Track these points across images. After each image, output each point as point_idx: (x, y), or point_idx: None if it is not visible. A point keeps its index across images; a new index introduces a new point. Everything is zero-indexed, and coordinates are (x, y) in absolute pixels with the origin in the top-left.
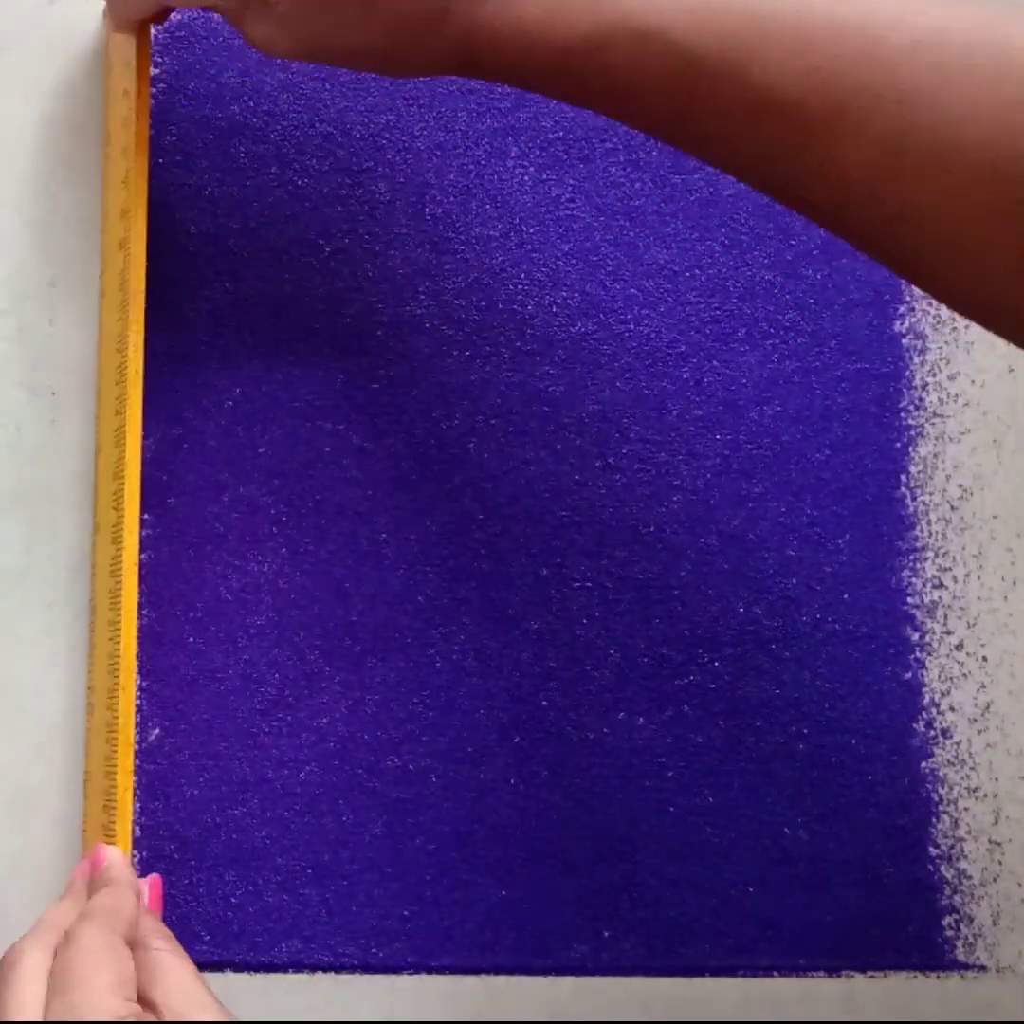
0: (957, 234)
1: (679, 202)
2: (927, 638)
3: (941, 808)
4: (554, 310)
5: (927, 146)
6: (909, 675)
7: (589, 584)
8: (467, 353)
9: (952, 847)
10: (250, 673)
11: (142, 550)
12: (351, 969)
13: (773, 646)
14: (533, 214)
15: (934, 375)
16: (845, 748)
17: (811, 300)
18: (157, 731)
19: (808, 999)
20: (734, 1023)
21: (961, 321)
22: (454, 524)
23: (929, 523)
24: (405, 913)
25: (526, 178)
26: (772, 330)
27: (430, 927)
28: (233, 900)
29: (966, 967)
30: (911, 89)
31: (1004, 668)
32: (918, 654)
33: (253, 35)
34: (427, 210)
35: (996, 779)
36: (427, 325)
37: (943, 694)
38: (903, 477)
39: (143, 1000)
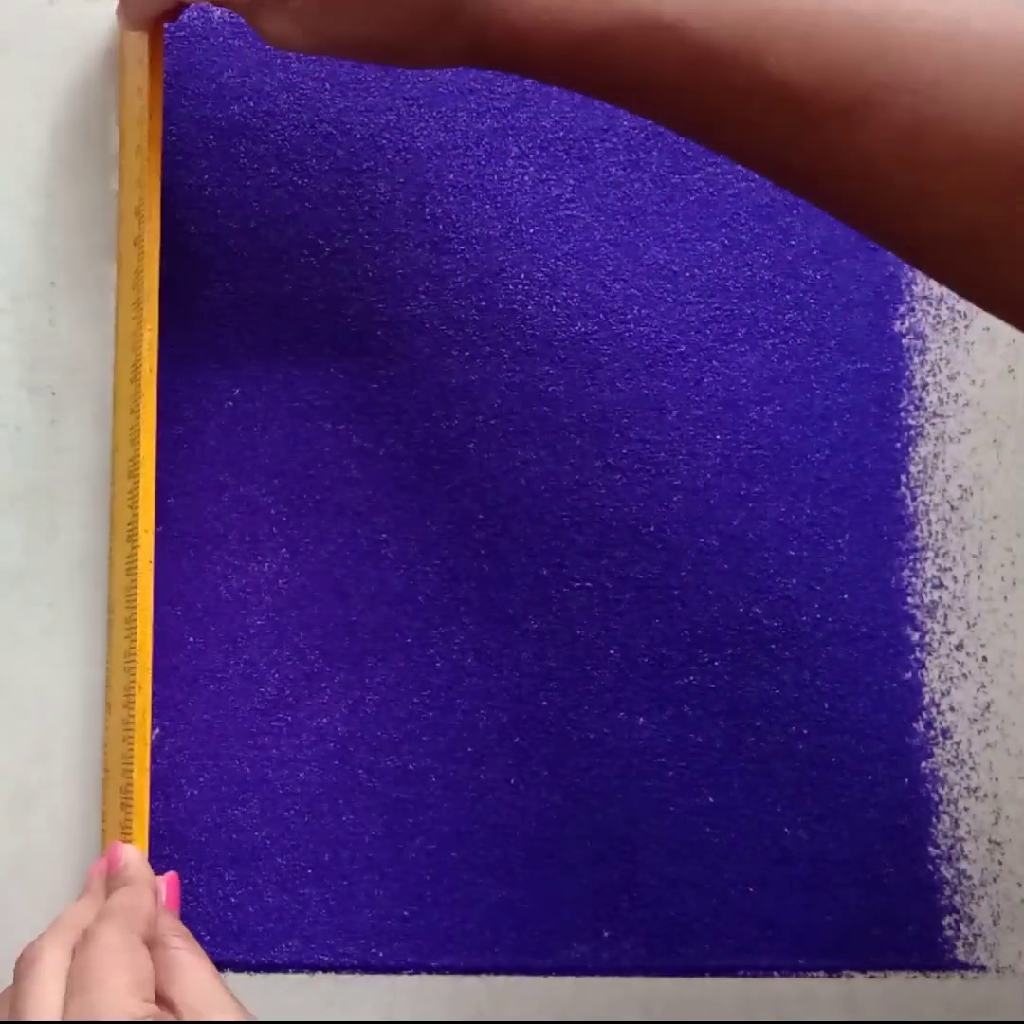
0: (974, 223)
1: (679, 202)
2: (927, 638)
3: (941, 808)
4: (554, 310)
5: (945, 137)
6: (909, 675)
7: (589, 584)
8: (467, 353)
9: (952, 847)
10: (250, 673)
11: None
12: (351, 969)
13: (773, 646)
14: (533, 214)
15: (934, 375)
16: (845, 748)
17: (811, 300)
18: (157, 731)
19: (808, 999)
20: (734, 1023)
21: (961, 321)
22: (454, 524)
23: (929, 523)
24: (405, 913)
25: (526, 178)
26: (772, 330)
27: (430, 927)
28: (233, 900)
29: (966, 967)
30: (929, 81)
31: (1004, 668)
32: (918, 654)
33: (267, 30)
34: (427, 210)
35: (996, 779)
36: (427, 325)
37: (943, 694)
38: (903, 477)
39: (161, 999)
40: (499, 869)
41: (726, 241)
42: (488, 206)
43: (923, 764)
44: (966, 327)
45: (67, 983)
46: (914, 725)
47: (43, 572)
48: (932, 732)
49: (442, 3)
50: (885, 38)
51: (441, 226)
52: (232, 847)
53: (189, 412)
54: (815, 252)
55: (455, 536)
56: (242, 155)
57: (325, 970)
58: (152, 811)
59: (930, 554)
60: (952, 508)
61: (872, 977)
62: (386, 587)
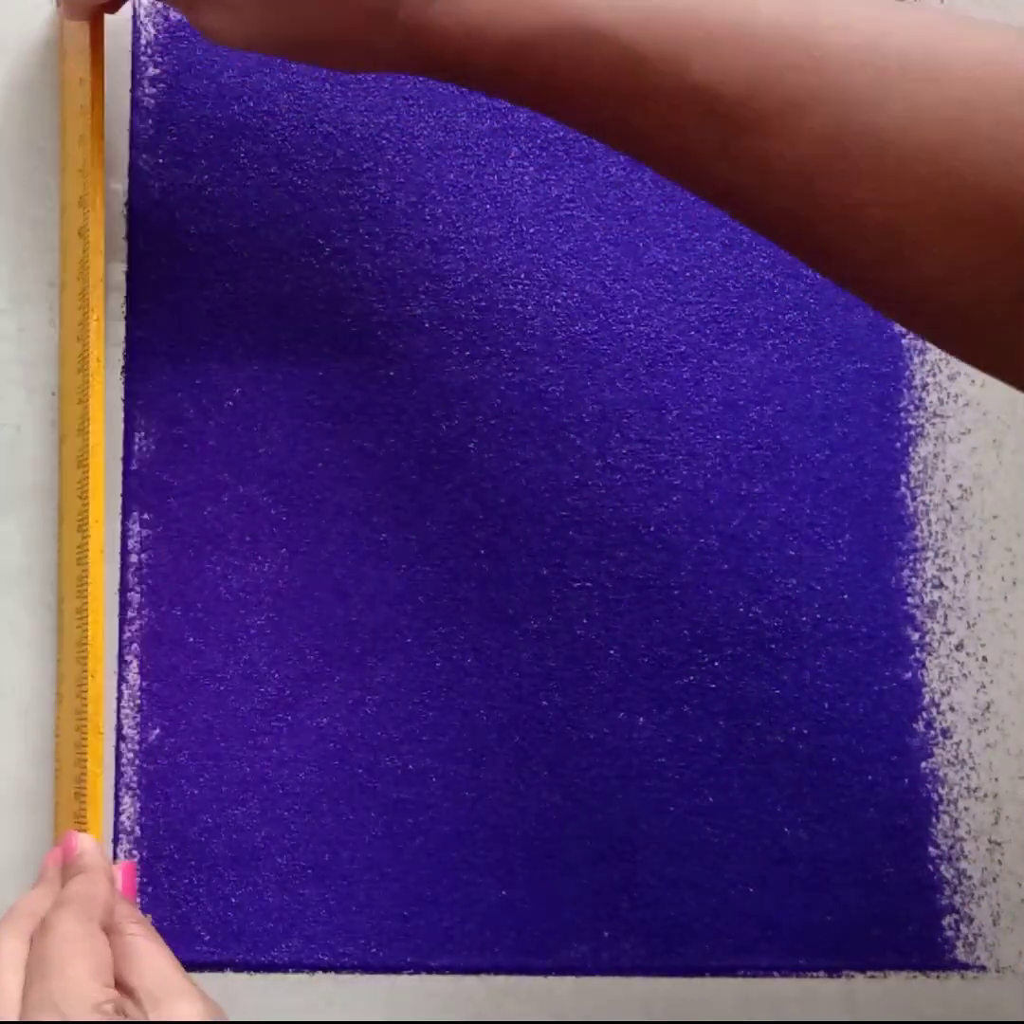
0: (893, 235)
1: (679, 202)
2: (927, 638)
3: (941, 808)
4: (554, 310)
5: (866, 147)
6: (909, 675)
7: (589, 584)
8: (467, 353)
9: (952, 847)
10: (250, 673)
11: (142, 551)
12: (351, 969)
13: (773, 646)
14: (533, 214)
15: (934, 375)
16: (845, 748)
17: (811, 300)
18: (157, 731)
19: (808, 999)
20: (734, 1023)
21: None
22: (454, 524)
23: (929, 523)
24: (405, 913)
25: (526, 178)
26: (772, 330)
27: (430, 927)
28: (233, 900)
29: (966, 967)
30: (852, 90)
31: (1004, 668)
32: (918, 654)
33: (204, 23)
34: (427, 210)
35: (996, 779)
36: (427, 325)
37: (943, 694)
38: (903, 477)
39: (120, 985)
40: (499, 869)
41: (726, 241)
42: (488, 206)
43: (923, 764)
44: None
45: (27, 971)
46: (914, 725)
47: (43, 572)
48: (932, 732)
49: (378, 4)
50: (809, 48)
51: (441, 226)
52: (232, 847)
53: (189, 412)
54: None
55: (455, 536)
56: (242, 155)
57: (325, 970)
58: (152, 811)
59: (930, 554)
60: (952, 508)
61: (872, 977)
62: (386, 587)
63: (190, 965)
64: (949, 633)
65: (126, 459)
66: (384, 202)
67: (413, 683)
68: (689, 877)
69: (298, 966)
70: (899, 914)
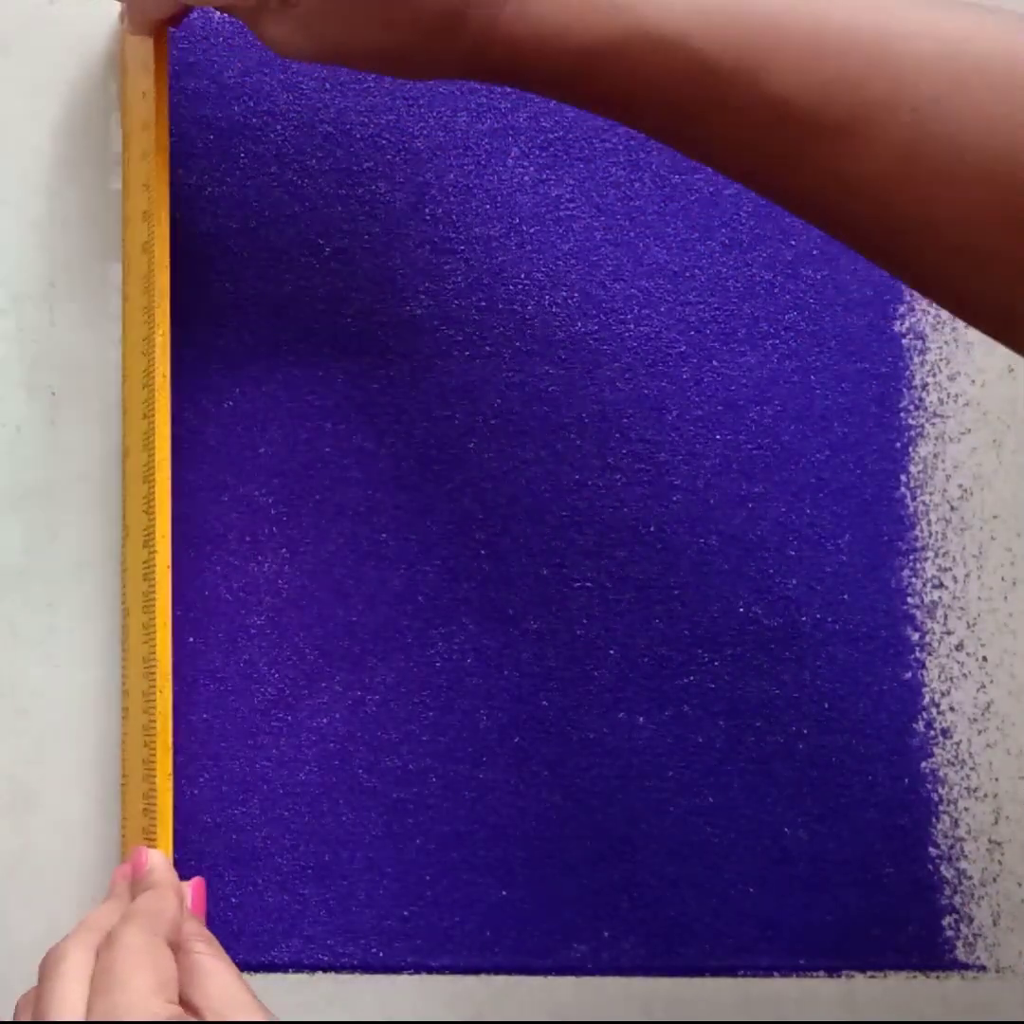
0: (970, 241)
1: (679, 202)
2: (927, 638)
3: (941, 808)
4: (554, 310)
5: (942, 155)
6: (909, 675)
7: (589, 584)
8: (467, 353)
9: (952, 847)
10: (250, 673)
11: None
12: (351, 969)
13: (773, 646)
14: (533, 214)
15: (934, 375)
16: (845, 748)
17: (811, 300)
18: None
19: (808, 999)
20: (734, 1023)
21: (961, 321)
22: (454, 524)
23: (929, 523)
24: (405, 913)
25: (526, 178)
26: (772, 330)
27: (430, 927)
28: (233, 900)
29: (966, 967)
30: (927, 99)
31: (1004, 668)
32: (918, 654)
33: (270, 36)
34: (427, 210)
35: (996, 779)
36: (427, 325)
37: (943, 694)
38: (903, 477)
39: (185, 1003)
40: (499, 869)
41: (726, 241)
42: (488, 206)
43: (923, 764)
44: (966, 327)
45: (91, 984)
46: (914, 725)
47: (43, 572)
48: (932, 732)
49: (446, 13)
50: (884, 57)
51: (441, 226)
52: (232, 847)
53: (189, 412)
54: (815, 252)
55: (455, 536)
56: (242, 155)
57: (325, 970)
58: None
59: (930, 554)
60: (952, 508)
61: (872, 977)
62: (386, 587)
63: None
64: (949, 633)
65: None
66: (384, 202)
67: (413, 683)
68: (689, 877)
69: (298, 966)
70: (899, 914)
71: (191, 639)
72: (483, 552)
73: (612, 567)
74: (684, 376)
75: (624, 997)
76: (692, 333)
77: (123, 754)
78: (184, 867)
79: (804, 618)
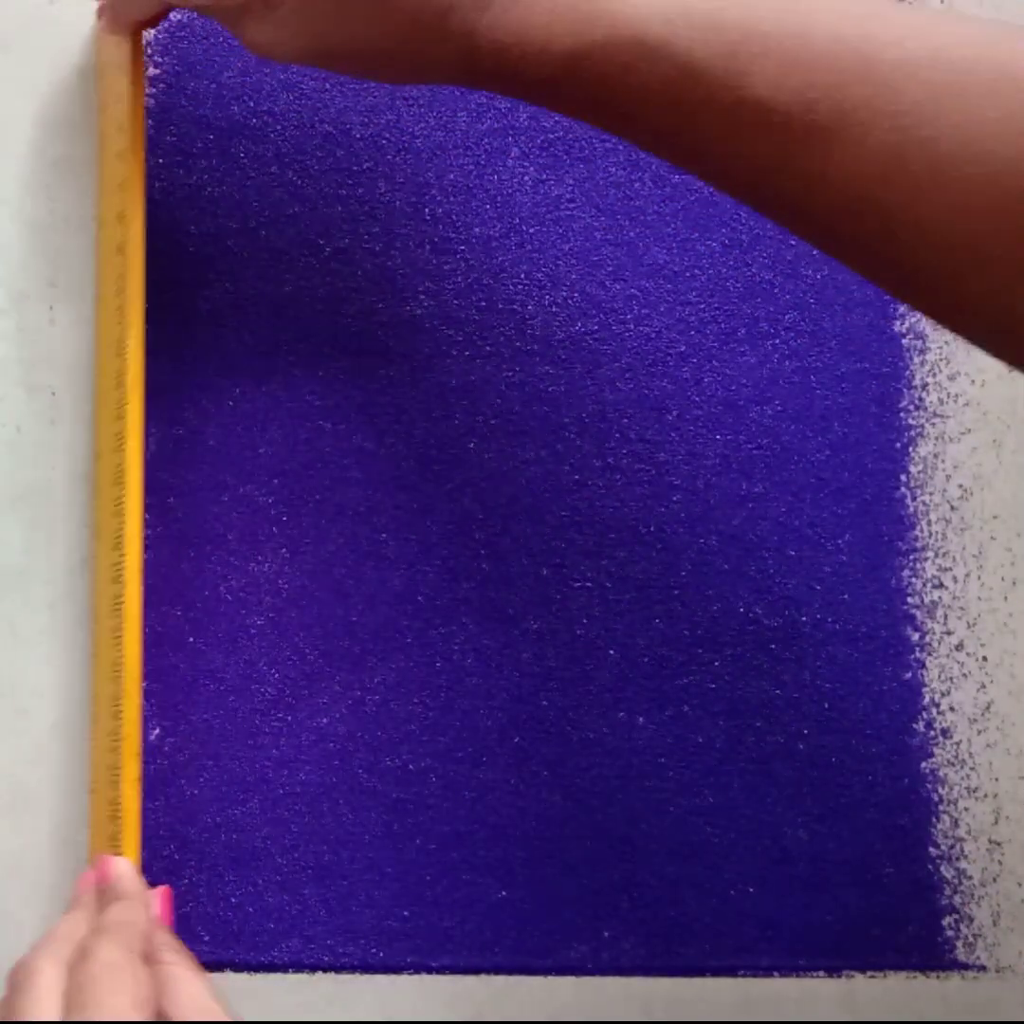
0: (956, 246)
1: (679, 202)
2: (927, 638)
3: (941, 808)
4: (554, 310)
5: (927, 159)
6: (909, 675)
7: (589, 584)
8: (467, 353)
9: (952, 847)
10: (250, 673)
11: (142, 550)
12: (351, 969)
13: (773, 646)
14: (533, 214)
15: (934, 375)
16: (845, 748)
17: (811, 300)
18: (157, 731)
19: (808, 999)
20: (734, 1023)
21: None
22: (454, 524)
23: (929, 523)
24: (405, 913)
25: (526, 178)
26: (772, 330)
27: (430, 927)
28: (233, 900)
29: (966, 967)
30: (910, 104)
31: (1004, 668)
32: (918, 654)
33: (253, 38)
34: (427, 210)
35: (996, 779)
36: (427, 325)
37: (943, 694)
38: (903, 477)
39: (157, 1014)
40: (499, 869)
41: (726, 241)
42: (488, 206)
43: (923, 764)
44: None
45: (66, 1001)
46: (914, 725)
47: (43, 572)
48: (932, 732)
49: (430, 15)
50: (869, 62)
51: (441, 226)
52: (232, 847)
53: (189, 412)
54: (815, 252)
55: (455, 536)
56: (242, 155)
57: (325, 970)
58: (152, 811)
59: (930, 554)
60: (952, 508)
61: (872, 977)
62: (386, 587)
63: None
64: (949, 633)
65: None
66: (384, 202)
67: (413, 683)
68: (689, 877)
69: (298, 966)
70: (899, 914)
71: (191, 639)
72: (483, 552)
73: (612, 567)
74: (684, 376)
75: (624, 997)
76: (692, 333)
77: (91, 761)
78: (184, 867)
79: (804, 618)
